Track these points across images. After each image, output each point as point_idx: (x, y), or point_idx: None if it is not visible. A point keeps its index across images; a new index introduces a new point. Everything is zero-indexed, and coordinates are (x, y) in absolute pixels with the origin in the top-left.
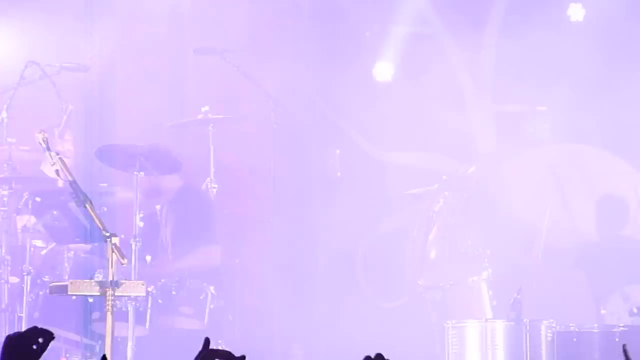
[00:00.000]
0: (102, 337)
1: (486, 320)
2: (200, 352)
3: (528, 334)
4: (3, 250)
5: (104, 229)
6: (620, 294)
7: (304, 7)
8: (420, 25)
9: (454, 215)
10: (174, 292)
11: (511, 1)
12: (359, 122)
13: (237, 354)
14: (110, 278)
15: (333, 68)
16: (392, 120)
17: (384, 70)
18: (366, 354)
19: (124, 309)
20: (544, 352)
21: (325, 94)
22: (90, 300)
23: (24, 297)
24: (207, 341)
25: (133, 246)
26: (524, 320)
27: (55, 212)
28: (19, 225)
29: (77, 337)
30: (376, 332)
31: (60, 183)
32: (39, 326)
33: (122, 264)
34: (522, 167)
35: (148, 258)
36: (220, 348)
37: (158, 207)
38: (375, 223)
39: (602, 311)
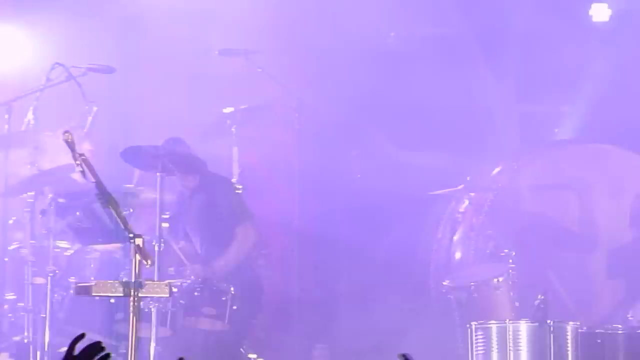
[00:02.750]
0: (125, 338)
1: (510, 321)
2: None
3: (552, 335)
4: (28, 252)
5: (129, 230)
6: None
7: (327, 7)
8: (444, 26)
9: (479, 216)
10: (196, 293)
11: (536, 1)
12: (382, 123)
13: (260, 354)
14: (134, 279)
15: (356, 68)
16: (417, 120)
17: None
18: (392, 354)
19: (147, 310)
20: (569, 353)
21: (348, 94)
22: (114, 301)
23: (49, 298)
24: None
25: (157, 247)
26: (548, 322)
27: (79, 213)
28: (44, 226)
29: (100, 338)
30: (400, 333)
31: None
32: (78, 334)
33: (146, 265)
34: (547, 167)
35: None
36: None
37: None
38: (400, 224)
39: (629, 317)
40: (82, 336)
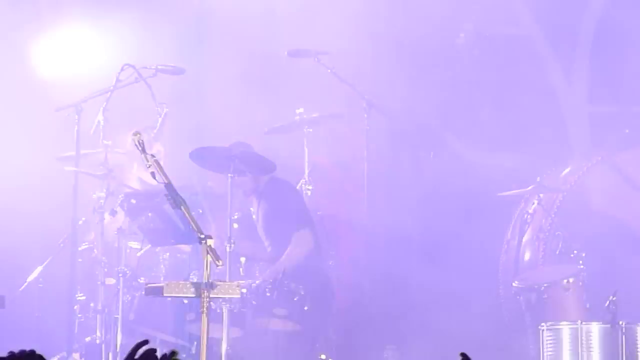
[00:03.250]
0: (197, 339)
1: (581, 322)
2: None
3: (624, 336)
4: (99, 252)
5: (199, 231)
6: None
7: (396, 8)
8: (514, 27)
9: (549, 217)
10: (267, 294)
11: (606, 2)
12: (452, 124)
13: (330, 355)
14: (205, 280)
15: (426, 69)
16: (486, 121)
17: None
18: (459, 354)
19: (218, 311)
20: None
21: (419, 95)
22: (185, 301)
23: (120, 299)
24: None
25: (227, 248)
26: (620, 323)
27: (150, 214)
28: (115, 227)
29: (172, 339)
30: (470, 334)
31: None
32: (142, 340)
33: (217, 266)
34: (617, 168)
35: (242, 259)
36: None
37: (252, 208)
38: (469, 225)
39: None
40: (145, 342)
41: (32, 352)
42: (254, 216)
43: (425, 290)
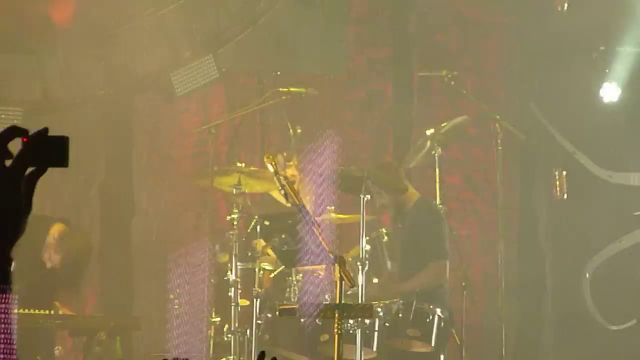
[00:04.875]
0: None
1: None
2: None
3: None
4: (233, 274)
5: (332, 252)
6: None
7: (528, 27)
8: None
9: None
10: (400, 315)
11: None
12: (585, 143)
13: None
14: (338, 301)
15: (558, 89)
16: (619, 140)
17: (611, 91)
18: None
19: (351, 332)
20: None
21: (551, 115)
22: (319, 322)
23: (254, 320)
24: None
25: (360, 268)
26: None
27: (283, 236)
28: (249, 248)
29: None
30: (605, 356)
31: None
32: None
33: (350, 288)
34: None
35: (375, 280)
36: None
37: (384, 229)
38: (604, 244)
39: None
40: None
41: None
42: (385, 237)
43: (561, 309)
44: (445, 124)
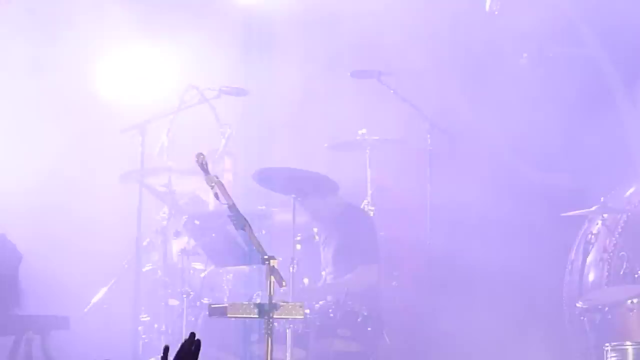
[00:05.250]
0: None
1: None
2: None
3: None
4: (163, 273)
5: (263, 252)
6: None
7: (459, 29)
8: (576, 47)
9: (612, 237)
10: (331, 315)
11: None
12: (514, 144)
13: None
14: (269, 300)
15: (488, 90)
16: (549, 141)
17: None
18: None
19: (282, 331)
20: None
21: (481, 115)
22: (249, 322)
23: (184, 319)
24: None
25: (291, 269)
26: None
27: (214, 235)
28: (178, 248)
29: None
30: (534, 355)
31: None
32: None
33: (281, 287)
34: None
35: (306, 281)
36: None
37: (316, 229)
38: (531, 245)
39: None
40: (193, 335)
41: None
42: (316, 237)
43: (490, 310)
44: (377, 137)
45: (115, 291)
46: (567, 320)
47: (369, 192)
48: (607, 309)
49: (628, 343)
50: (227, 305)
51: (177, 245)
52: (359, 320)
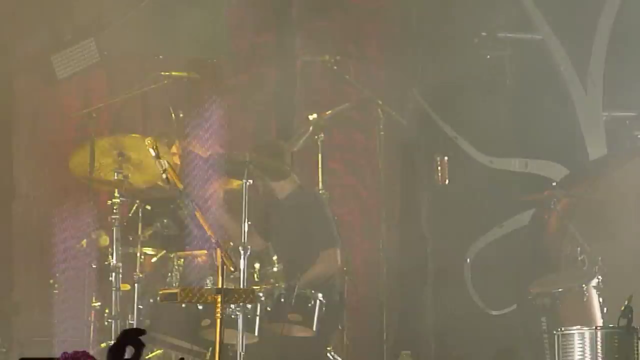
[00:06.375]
0: (212, 345)
1: (597, 327)
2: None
3: (639, 341)
4: (114, 258)
5: (214, 237)
6: None
7: (411, 13)
8: (528, 31)
9: (564, 222)
10: (282, 300)
11: (621, 5)
12: (466, 128)
13: None
14: (220, 285)
15: (440, 74)
16: (501, 125)
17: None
18: None
19: (233, 316)
20: None
21: (432, 100)
22: (200, 307)
23: (135, 305)
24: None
25: (242, 253)
26: (636, 328)
27: (165, 220)
28: (130, 233)
29: (187, 345)
30: (485, 340)
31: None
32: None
33: (232, 272)
34: (633, 173)
35: (257, 265)
36: None
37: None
38: (484, 230)
39: None
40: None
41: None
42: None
43: (441, 295)
44: (329, 111)
45: (66, 276)
46: (520, 304)
47: (320, 177)
48: (559, 293)
49: (579, 328)
50: (178, 290)
51: (129, 230)
52: (310, 305)
